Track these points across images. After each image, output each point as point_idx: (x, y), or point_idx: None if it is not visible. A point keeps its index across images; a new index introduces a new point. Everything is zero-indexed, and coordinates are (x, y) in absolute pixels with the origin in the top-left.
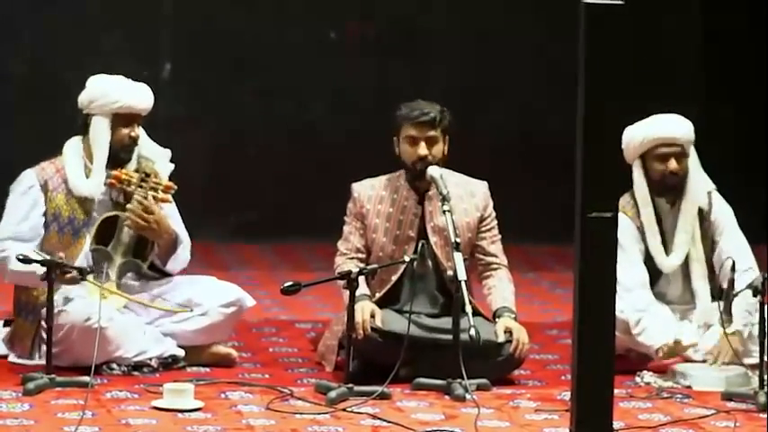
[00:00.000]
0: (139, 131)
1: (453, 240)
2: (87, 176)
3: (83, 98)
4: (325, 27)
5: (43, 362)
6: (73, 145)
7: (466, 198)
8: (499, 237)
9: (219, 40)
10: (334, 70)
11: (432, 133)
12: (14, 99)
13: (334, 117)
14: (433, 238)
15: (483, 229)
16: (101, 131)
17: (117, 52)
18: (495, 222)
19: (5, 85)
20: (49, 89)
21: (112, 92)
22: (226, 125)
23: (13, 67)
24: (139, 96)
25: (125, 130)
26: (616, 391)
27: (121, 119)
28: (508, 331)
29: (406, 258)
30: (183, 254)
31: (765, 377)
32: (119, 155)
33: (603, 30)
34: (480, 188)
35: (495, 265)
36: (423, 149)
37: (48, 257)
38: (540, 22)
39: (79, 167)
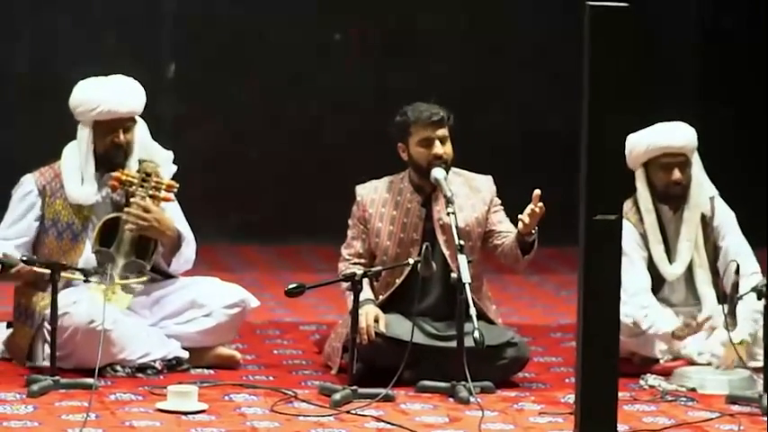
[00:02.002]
0: (131, 136)
1: (457, 243)
2: (83, 183)
3: (70, 104)
4: (327, 27)
5: (39, 365)
6: (70, 150)
7: (472, 194)
8: (508, 219)
9: (221, 41)
10: (334, 70)
11: (443, 131)
12: (15, 99)
13: (334, 117)
14: (441, 237)
15: (490, 215)
16: (83, 140)
17: (118, 52)
18: (502, 208)
19: (6, 84)
20: (50, 89)
21: (93, 98)
22: (227, 126)
23: (13, 67)
24: (122, 100)
25: (108, 137)
26: (620, 393)
27: (104, 125)
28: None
29: (411, 261)
30: (188, 252)
31: None
32: (109, 160)
33: (607, 31)
34: (485, 183)
35: (511, 233)
36: (439, 148)
37: (51, 260)
38: (540, 22)
39: (75, 174)
